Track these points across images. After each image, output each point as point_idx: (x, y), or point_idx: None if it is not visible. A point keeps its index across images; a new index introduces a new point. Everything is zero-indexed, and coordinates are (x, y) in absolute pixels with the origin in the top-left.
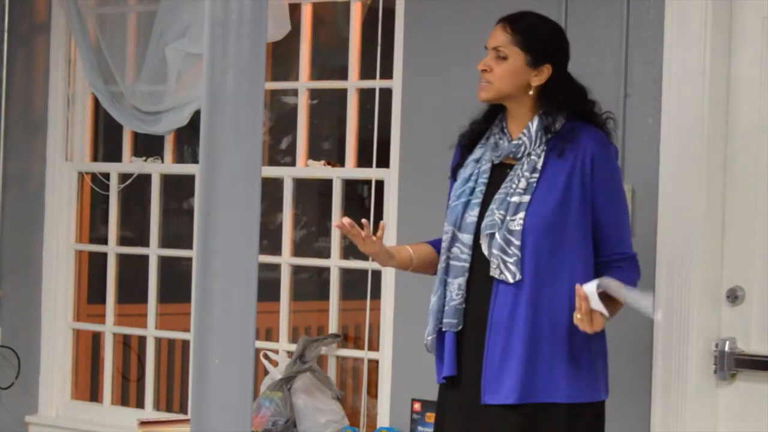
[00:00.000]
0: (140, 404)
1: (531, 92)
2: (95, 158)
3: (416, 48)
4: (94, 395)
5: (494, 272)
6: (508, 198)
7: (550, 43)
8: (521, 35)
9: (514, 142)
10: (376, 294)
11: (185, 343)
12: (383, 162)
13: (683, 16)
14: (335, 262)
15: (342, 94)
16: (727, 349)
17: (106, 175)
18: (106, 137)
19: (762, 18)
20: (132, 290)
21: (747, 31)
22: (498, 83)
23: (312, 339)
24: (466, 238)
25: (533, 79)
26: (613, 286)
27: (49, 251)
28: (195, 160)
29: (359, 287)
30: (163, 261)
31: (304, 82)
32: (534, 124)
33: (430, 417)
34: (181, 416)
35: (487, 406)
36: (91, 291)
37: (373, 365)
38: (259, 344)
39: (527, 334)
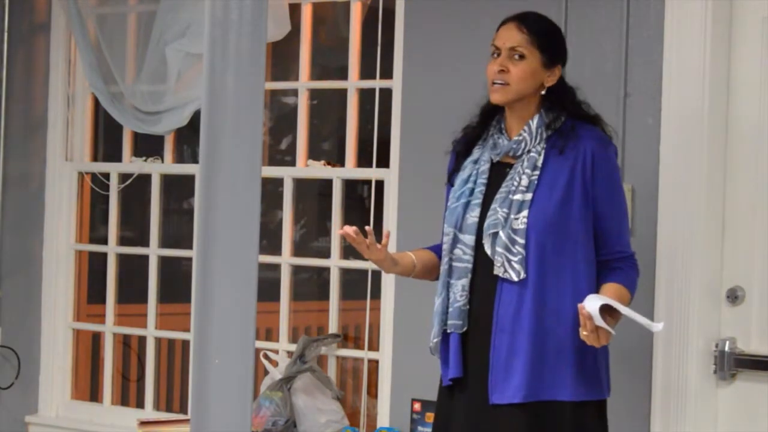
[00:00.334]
0: (140, 404)
1: (540, 93)
2: (95, 158)
3: (416, 48)
4: (94, 395)
5: (498, 271)
6: (510, 196)
7: (561, 43)
8: (538, 36)
9: (515, 138)
10: (376, 294)
11: (185, 343)
12: (383, 162)
13: (683, 16)
14: (335, 262)
15: (342, 94)
16: (727, 349)
17: (106, 175)
18: (106, 137)
19: (762, 18)
20: (132, 290)
21: (747, 31)
22: (516, 85)
23: (312, 339)
24: (468, 238)
25: (547, 80)
26: (613, 303)
27: (49, 251)
28: (195, 160)
29: (359, 287)
30: (163, 261)
31: (304, 82)
32: (535, 121)
33: (430, 417)
34: (181, 416)
35: (494, 406)
36: (91, 291)
37: (373, 365)
38: (259, 344)
39: (533, 330)
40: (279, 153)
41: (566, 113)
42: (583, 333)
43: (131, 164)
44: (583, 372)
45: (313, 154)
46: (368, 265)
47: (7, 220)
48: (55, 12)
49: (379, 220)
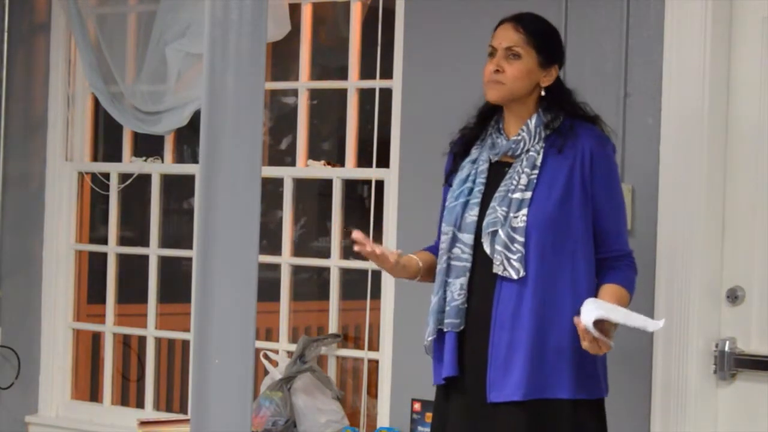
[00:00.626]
0: (140, 404)
1: (537, 93)
2: (95, 158)
3: (416, 48)
4: (94, 395)
5: (498, 269)
6: (509, 195)
7: (558, 44)
8: (534, 36)
9: (513, 138)
10: (376, 294)
11: (185, 343)
12: (383, 162)
13: (683, 16)
14: (335, 262)
15: (342, 94)
16: (727, 349)
17: (106, 175)
18: (106, 137)
19: (762, 18)
20: (132, 290)
21: (747, 31)
22: (511, 84)
23: (312, 339)
24: (467, 237)
25: (543, 80)
26: (608, 313)
27: (49, 251)
28: (195, 160)
29: (359, 287)
30: (163, 261)
31: (304, 82)
32: (533, 121)
33: (430, 417)
34: (181, 416)
35: (492, 404)
36: (91, 291)
37: (373, 365)
38: (259, 344)
39: (533, 327)
40: (279, 153)
41: (564, 113)
42: (584, 344)
43: (131, 164)
44: (582, 371)
45: (313, 154)
46: (368, 265)
47: (7, 220)
48: (55, 12)
49: (379, 220)
